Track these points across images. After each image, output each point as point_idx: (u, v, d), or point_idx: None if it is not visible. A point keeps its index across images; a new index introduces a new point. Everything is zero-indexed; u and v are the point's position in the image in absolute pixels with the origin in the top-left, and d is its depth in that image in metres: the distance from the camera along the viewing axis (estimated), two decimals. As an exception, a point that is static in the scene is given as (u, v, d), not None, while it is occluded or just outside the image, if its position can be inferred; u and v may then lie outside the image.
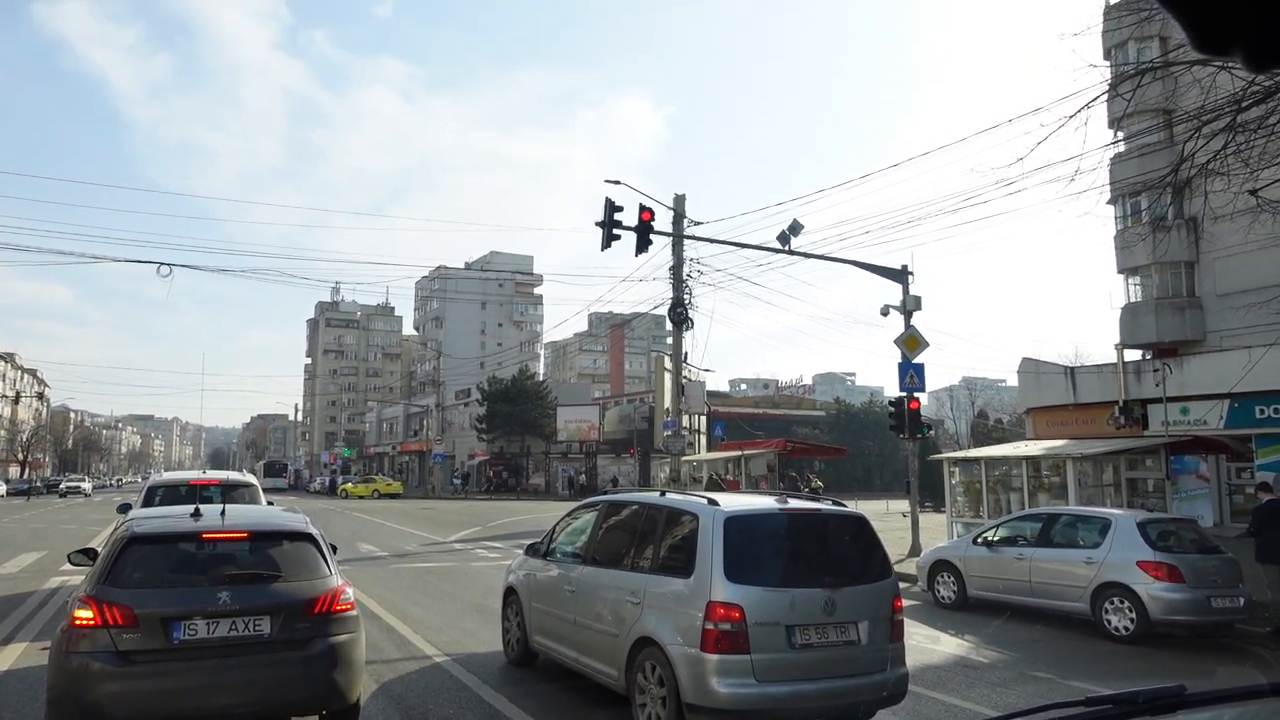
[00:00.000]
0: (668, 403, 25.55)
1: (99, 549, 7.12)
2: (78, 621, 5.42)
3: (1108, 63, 21.01)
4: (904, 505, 25.79)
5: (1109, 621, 10.96)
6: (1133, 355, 24.96)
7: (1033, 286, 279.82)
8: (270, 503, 11.89)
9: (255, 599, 5.76)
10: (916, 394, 19.32)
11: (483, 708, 7.27)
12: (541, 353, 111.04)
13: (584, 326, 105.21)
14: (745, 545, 6.26)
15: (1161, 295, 24.67)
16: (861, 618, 6.29)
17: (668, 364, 26.39)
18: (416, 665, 8.71)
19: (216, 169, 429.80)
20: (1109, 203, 24.04)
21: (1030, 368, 26.97)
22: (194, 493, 11.53)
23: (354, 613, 6.14)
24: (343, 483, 64.96)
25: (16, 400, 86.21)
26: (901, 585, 7.93)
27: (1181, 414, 21.59)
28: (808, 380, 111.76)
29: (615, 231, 17.64)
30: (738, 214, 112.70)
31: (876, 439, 62.40)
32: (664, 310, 22.40)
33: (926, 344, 19.47)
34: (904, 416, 19.05)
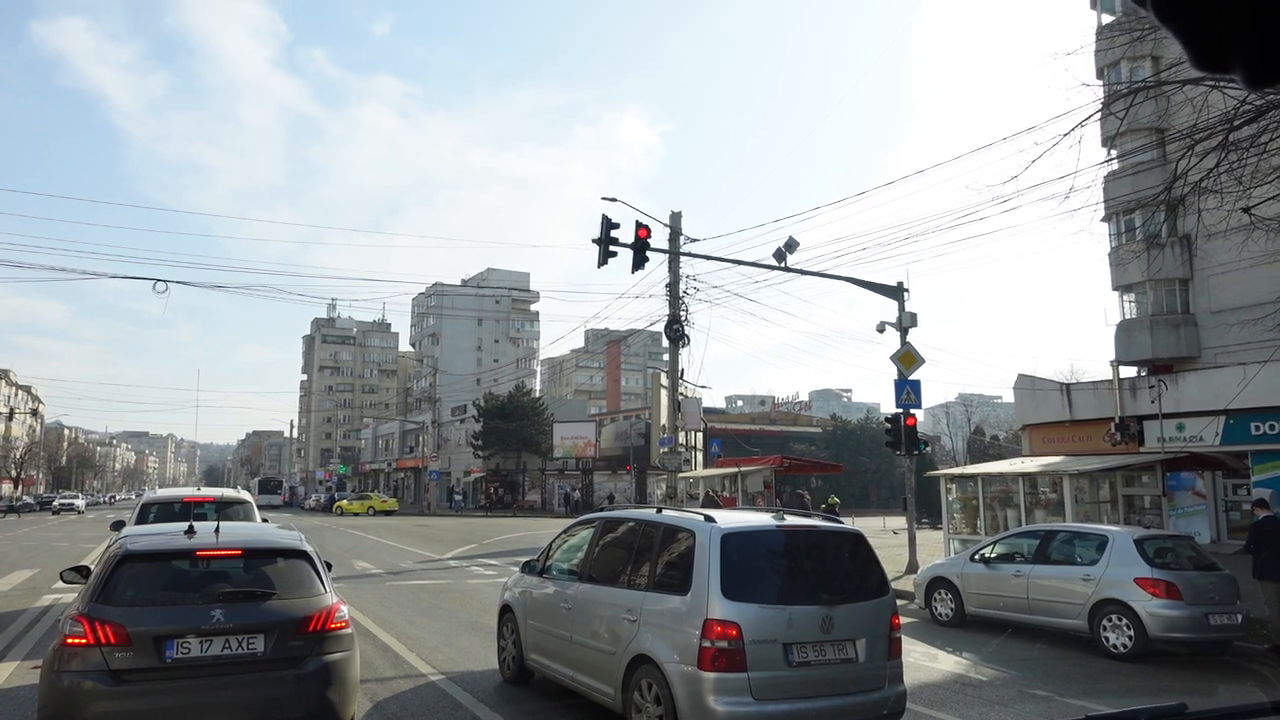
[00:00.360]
0: (664, 419, 25.51)
1: (92, 566, 7.07)
2: (70, 640, 5.38)
3: (1101, 82, 21.18)
4: (901, 522, 25.75)
5: (1107, 639, 10.93)
6: (1128, 372, 25.05)
7: (1028, 303, 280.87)
8: (265, 520, 11.85)
9: (249, 617, 5.72)
10: (913, 410, 19.33)
11: (478, 727, 7.21)
12: (538, 369, 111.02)
13: (580, 343, 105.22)
14: (742, 562, 6.24)
15: (1156, 312, 24.76)
16: (859, 635, 6.26)
17: (664, 380, 26.40)
18: (411, 684, 8.65)
19: (214, 186, 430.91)
20: (1103, 220, 24.17)
21: (1026, 384, 27.02)
22: (188, 510, 11.48)
23: (348, 631, 6.10)
24: (338, 499, 64.67)
25: (10, 417, 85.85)
26: (899, 602, 7.90)
27: (1177, 430, 21.63)
28: (804, 397, 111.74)
29: (612, 248, 17.67)
30: (734, 231, 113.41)
31: (873, 456, 62.33)
32: (660, 327, 22.44)
33: (923, 361, 19.50)
34: (900, 433, 19.05)
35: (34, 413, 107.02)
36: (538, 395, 78.45)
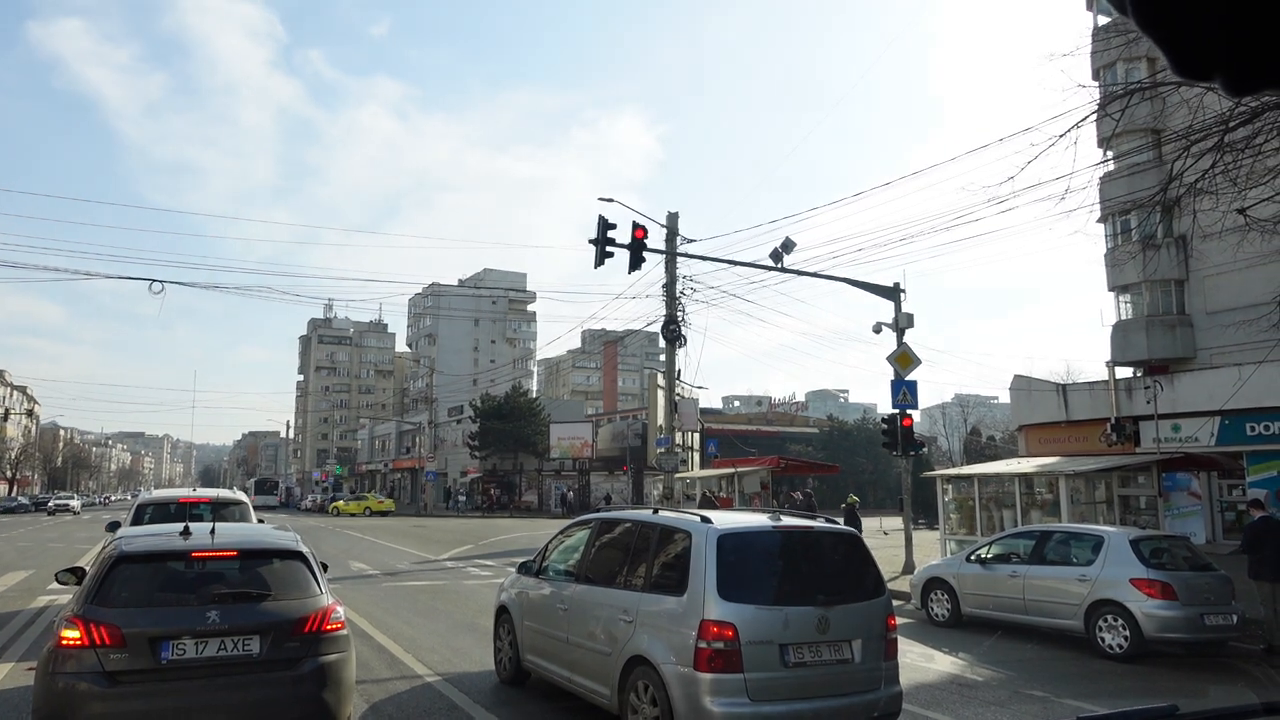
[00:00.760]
0: (661, 420, 25.54)
1: (87, 568, 7.05)
2: (64, 641, 5.37)
3: (1096, 83, 21.20)
4: (897, 522, 25.77)
5: (1103, 639, 10.94)
6: (1124, 372, 25.08)
7: (1025, 304, 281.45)
8: (261, 520, 11.82)
9: (244, 618, 5.71)
10: (909, 411, 19.35)
11: (474, 728, 7.20)
12: (535, 370, 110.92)
13: (577, 344, 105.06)
14: (738, 563, 6.24)
15: (1152, 313, 24.80)
16: (855, 636, 6.27)
17: (661, 381, 26.41)
18: (407, 685, 8.64)
19: (210, 187, 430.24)
20: (1099, 221, 24.19)
21: (1022, 385, 27.05)
22: (184, 511, 11.45)
23: (344, 632, 6.09)
24: (334, 500, 64.56)
25: (5, 418, 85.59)
26: (895, 603, 7.91)
27: (1173, 431, 21.67)
28: (801, 397, 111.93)
29: (608, 249, 17.67)
30: (731, 231, 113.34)
31: (869, 456, 62.29)
32: (657, 328, 22.43)
33: (919, 361, 19.52)
34: (897, 434, 19.07)
35: (29, 413, 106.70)
36: (534, 396, 78.40)
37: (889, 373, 19.62)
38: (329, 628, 5.92)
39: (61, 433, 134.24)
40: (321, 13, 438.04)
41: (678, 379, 23.50)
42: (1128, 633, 10.71)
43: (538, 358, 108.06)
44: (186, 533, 6.37)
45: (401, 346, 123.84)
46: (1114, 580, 11.01)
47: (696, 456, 45.05)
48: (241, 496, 13.82)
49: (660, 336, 22.18)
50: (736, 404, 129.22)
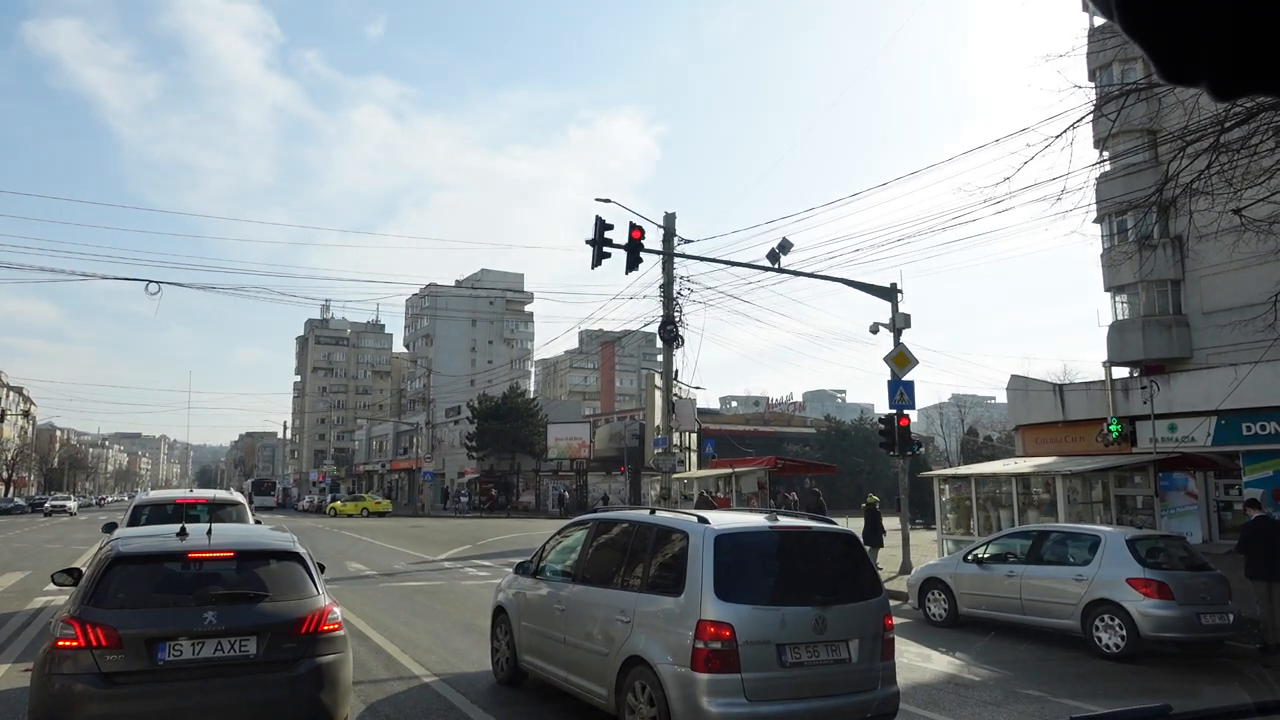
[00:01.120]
0: (658, 420, 25.54)
1: (83, 569, 7.04)
2: (61, 643, 5.36)
3: (1093, 84, 21.25)
4: (893, 522, 25.76)
5: (1100, 639, 10.96)
6: (1120, 372, 25.11)
7: (1022, 305, 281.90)
8: (258, 521, 11.82)
9: (241, 619, 5.71)
10: (906, 411, 19.37)
11: (471, 729, 7.19)
12: (532, 370, 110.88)
13: (575, 344, 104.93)
14: (736, 563, 6.24)
15: (1148, 313, 24.84)
16: (852, 636, 6.27)
17: (658, 381, 26.40)
18: (405, 685, 8.63)
19: (206, 187, 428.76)
20: (1095, 221, 24.23)
21: (1019, 385, 27.09)
22: (180, 512, 11.42)
23: (341, 633, 6.09)
24: (331, 501, 64.50)
25: (1, 419, 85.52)
26: (892, 603, 7.92)
27: (1170, 431, 21.70)
28: (798, 398, 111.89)
29: (606, 249, 17.67)
30: (728, 232, 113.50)
31: (867, 456, 62.29)
32: (655, 328, 22.43)
33: (916, 361, 19.55)
34: (894, 434, 19.09)
35: (26, 414, 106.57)
36: (532, 396, 78.39)
37: (886, 373, 19.65)
38: (326, 628, 5.92)
39: (58, 433, 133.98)
40: (317, 12, 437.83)
41: (675, 379, 23.50)
42: (1124, 632, 10.72)
43: (535, 358, 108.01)
44: (183, 534, 6.36)
45: (399, 347, 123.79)
46: (1111, 580, 11.02)
47: (694, 457, 44.99)
48: (238, 497, 13.79)
49: (658, 337, 22.18)
50: (734, 404, 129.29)
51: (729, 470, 33.60)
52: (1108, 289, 26.15)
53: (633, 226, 17.99)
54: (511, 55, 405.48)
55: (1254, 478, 20.57)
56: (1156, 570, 10.99)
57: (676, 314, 21.50)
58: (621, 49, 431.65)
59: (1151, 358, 24.40)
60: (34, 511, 65.75)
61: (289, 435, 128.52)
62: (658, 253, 20.89)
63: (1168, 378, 22.59)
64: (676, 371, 23.19)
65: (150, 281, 21.47)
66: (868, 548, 20.13)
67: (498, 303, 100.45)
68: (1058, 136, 10.43)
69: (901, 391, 19.26)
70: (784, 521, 6.93)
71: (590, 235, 17.60)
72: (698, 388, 28.84)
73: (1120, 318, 25.75)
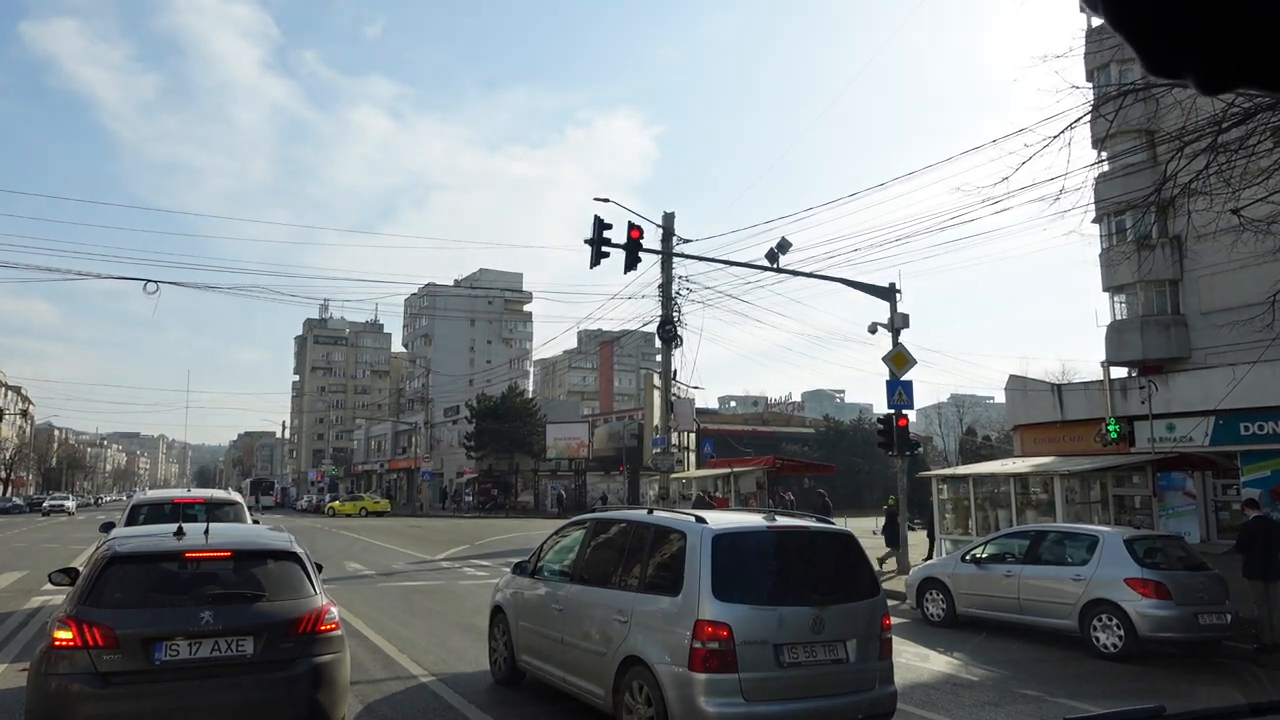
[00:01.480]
0: (657, 420, 25.55)
1: (80, 568, 7.04)
2: (57, 642, 5.35)
3: (1090, 84, 21.26)
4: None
5: (1097, 639, 10.97)
6: (1119, 373, 25.14)
7: (1020, 305, 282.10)
8: (256, 521, 11.81)
9: (238, 619, 5.70)
10: (905, 411, 19.37)
11: (469, 729, 7.19)
12: (531, 370, 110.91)
13: (573, 344, 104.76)
14: (733, 563, 6.24)
15: (1147, 313, 24.87)
16: (850, 636, 6.27)
17: (657, 381, 26.41)
18: (402, 685, 8.63)
19: (204, 187, 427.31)
20: (1094, 221, 24.25)
21: (1018, 385, 27.12)
22: (178, 511, 11.39)
23: (338, 632, 6.08)
24: (330, 500, 64.48)
25: (0, 418, 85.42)
26: (890, 603, 7.92)
27: (1168, 431, 21.73)
28: (797, 397, 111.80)
29: (604, 249, 17.66)
30: (727, 232, 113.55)
31: (866, 456, 62.30)
32: (653, 328, 22.43)
33: (914, 361, 19.55)
34: (893, 434, 19.09)
35: (24, 413, 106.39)
36: (530, 396, 78.39)
37: (885, 373, 19.64)
38: (323, 628, 5.91)
39: (56, 433, 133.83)
40: (315, 13, 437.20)
41: (674, 379, 23.51)
42: (1122, 632, 10.73)
43: (534, 358, 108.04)
44: (180, 533, 6.35)
45: (397, 347, 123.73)
46: (1109, 580, 11.03)
47: (692, 457, 45.01)
48: (236, 497, 13.79)
49: (656, 337, 22.19)
50: (733, 404, 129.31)
51: (727, 470, 33.62)
52: (1106, 289, 26.18)
53: (631, 226, 18.00)
54: (509, 56, 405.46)
55: (1252, 477, 20.61)
56: (1154, 570, 10.99)
57: (675, 314, 21.50)
58: (619, 49, 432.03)
59: (1150, 358, 24.42)
60: (32, 511, 65.68)
61: (288, 435, 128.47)
62: (656, 252, 20.89)
63: (1166, 378, 22.62)
64: (675, 371, 23.20)
65: (149, 281, 21.45)
66: (889, 549, 20.24)
67: (496, 302, 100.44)
68: (1056, 137, 10.45)
69: (900, 391, 19.26)
70: (782, 521, 6.93)
71: (589, 235, 17.60)
72: (696, 387, 28.90)
73: (1119, 318, 25.78)
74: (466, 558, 23.80)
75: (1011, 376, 27.62)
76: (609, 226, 17.72)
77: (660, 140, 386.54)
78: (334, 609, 6.15)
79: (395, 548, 27.23)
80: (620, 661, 6.48)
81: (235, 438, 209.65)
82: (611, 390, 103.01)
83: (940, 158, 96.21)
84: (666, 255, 21.36)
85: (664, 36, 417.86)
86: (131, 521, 11.42)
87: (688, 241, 21.59)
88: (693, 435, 46.58)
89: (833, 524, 7.45)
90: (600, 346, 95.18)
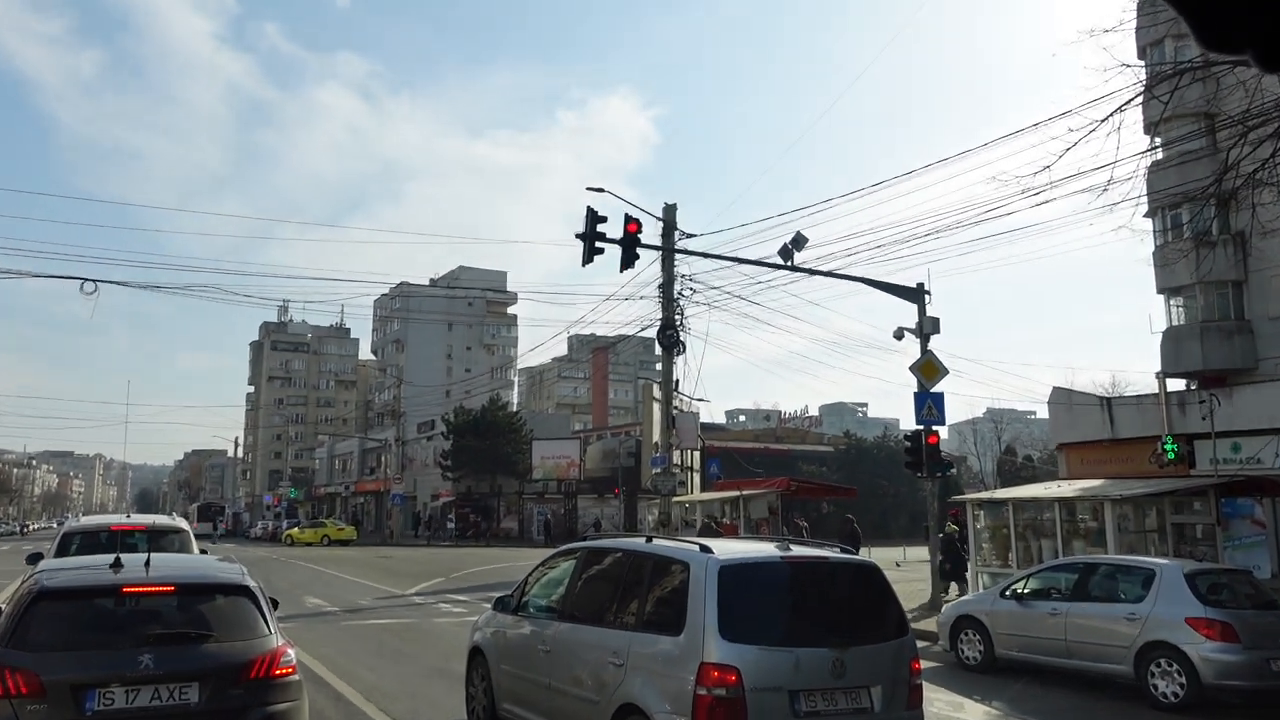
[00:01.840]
0: (657, 436, 25.57)
1: (2, 606, 7.00)
2: (-25, 690, 5.31)
3: (1142, 62, 21.35)
4: (921, 553, 25.74)
5: (1155, 686, 10.93)
6: (1176, 385, 25.14)
7: (1065, 308, 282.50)
8: (204, 551, 11.79)
9: (182, 662, 5.68)
10: (935, 427, 19.39)
11: (443, 787, 7.15)
12: (515, 380, 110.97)
13: (563, 350, 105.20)
14: (742, 599, 6.22)
15: (1207, 318, 24.89)
16: (874, 681, 6.25)
17: (657, 393, 26.45)
18: (368, 738, 8.58)
19: (151, 175, 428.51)
20: (1146, 215, 24.28)
21: (1062, 399, 27.13)
22: (115, 540, 11.38)
23: (296, 677, 6.06)
24: (288, 527, 64.44)
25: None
26: (920, 644, 7.89)
27: (1232, 451, 21.72)
28: (814, 411, 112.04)
29: (598, 245, 17.71)
30: (735, 226, 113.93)
31: (891, 478, 62.38)
32: (653, 333, 22.48)
33: (946, 371, 19.57)
34: (921, 452, 19.10)
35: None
36: (515, 409, 78.43)
37: (912, 384, 19.66)
38: (278, 673, 5.89)
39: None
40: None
41: (676, 390, 23.51)
42: (1183, 679, 10.69)
43: (519, 366, 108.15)
44: (118, 565, 6.32)
45: (365, 354, 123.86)
46: (1167, 620, 11.00)
47: (697, 478, 45.07)
48: (182, 524, 13.79)
49: (656, 343, 22.22)
50: (742, 419, 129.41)
51: (736, 493, 33.61)
52: (1161, 291, 26.20)
53: (628, 219, 18.04)
54: (493, 30, 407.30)
55: (1327, 503, 20.57)
56: (1219, 609, 10.96)
57: (677, 317, 21.54)
58: (615, 23, 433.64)
59: (1211, 368, 24.42)
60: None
61: (240, 454, 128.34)
62: (656, 248, 20.94)
63: (1229, 391, 22.62)
64: (677, 381, 23.19)
65: (86, 280, 21.45)
66: (952, 584, 20.07)
67: (477, 304, 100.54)
68: (1104, 120, 10.49)
69: (930, 405, 19.27)
70: (797, 551, 6.91)
71: (581, 229, 17.64)
72: (701, 400, 28.95)
73: (1175, 323, 25.80)
74: (441, 592, 23.77)
75: (1055, 389, 27.63)
76: (604, 219, 17.76)
77: (661, 124, 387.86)
78: (291, 651, 6.13)
79: (361, 581, 27.20)
80: (615, 710, 6.46)
81: (181, 457, 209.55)
82: (606, 403, 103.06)
83: (975, 143, 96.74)
84: (668, 252, 21.41)
85: (665, 7, 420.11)
86: (62, 552, 11.39)
87: (691, 236, 21.67)
88: (697, 454, 46.66)
89: (855, 554, 7.43)
90: (593, 353, 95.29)
